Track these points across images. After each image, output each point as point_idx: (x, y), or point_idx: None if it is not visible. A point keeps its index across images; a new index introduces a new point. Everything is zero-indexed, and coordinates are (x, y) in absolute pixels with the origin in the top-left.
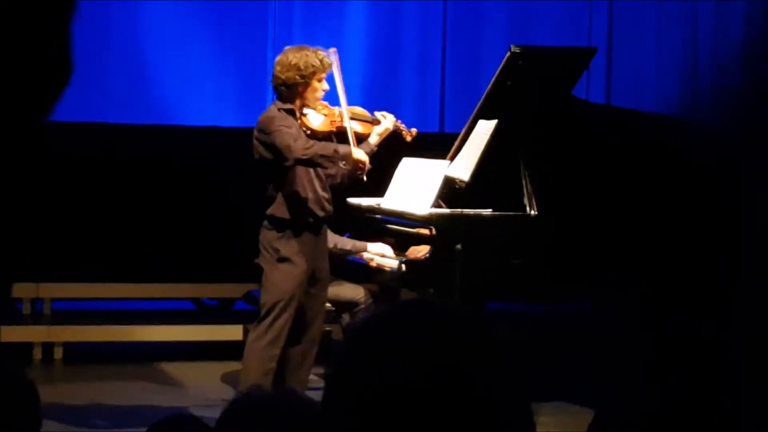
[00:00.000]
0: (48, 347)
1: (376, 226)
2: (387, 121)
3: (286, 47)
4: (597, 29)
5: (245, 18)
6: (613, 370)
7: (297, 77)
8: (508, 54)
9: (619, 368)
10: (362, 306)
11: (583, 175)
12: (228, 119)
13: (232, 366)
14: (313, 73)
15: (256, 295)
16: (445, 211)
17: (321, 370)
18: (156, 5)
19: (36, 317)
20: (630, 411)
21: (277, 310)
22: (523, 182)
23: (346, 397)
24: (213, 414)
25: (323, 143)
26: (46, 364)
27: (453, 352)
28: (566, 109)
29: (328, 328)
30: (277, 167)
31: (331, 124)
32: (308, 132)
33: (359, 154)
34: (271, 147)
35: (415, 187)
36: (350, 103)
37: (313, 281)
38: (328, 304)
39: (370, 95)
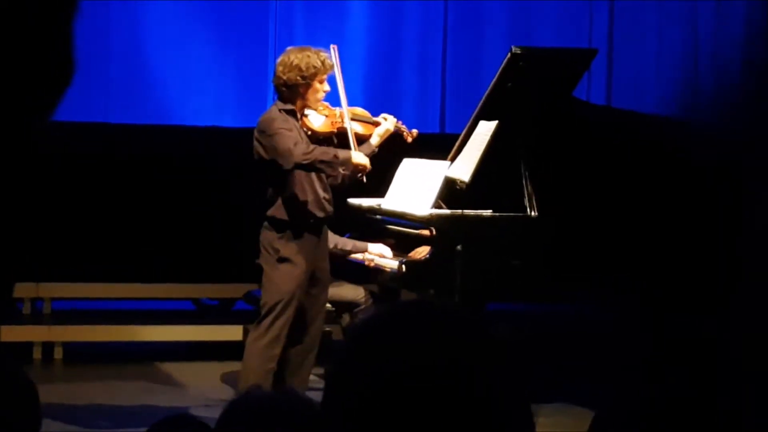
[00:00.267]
0: (48, 347)
1: (376, 226)
2: (388, 123)
3: (288, 48)
4: (597, 30)
5: (246, 18)
6: (613, 370)
7: (298, 78)
8: (509, 55)
9: (620, 368)
10: (362, 306)
11: (584, 176)
12: (228, 119)
13: (232, 366)
14: (315, 74)
15: (256, 296)
16: (446, 211)
17: (321, 371)
18: (156, 6)
19: (36, 317)
20: (630, 411)
21: (277, 311)
22: (524, 183)
23: (346, 398)
24: (213, 414)
25: (323, 148)
26: (46, 364)
27: (453, 352)
28: (567, 110)
29: (328, 329)
30: (276, 169)
31: (332, 125)
32: (309, 133)
33: (359, 158)
34: (271, 150)
35: (415, 188)
36: (351, 103)
37: (314, 282)
38: (328, 305)
39: (371, 95)
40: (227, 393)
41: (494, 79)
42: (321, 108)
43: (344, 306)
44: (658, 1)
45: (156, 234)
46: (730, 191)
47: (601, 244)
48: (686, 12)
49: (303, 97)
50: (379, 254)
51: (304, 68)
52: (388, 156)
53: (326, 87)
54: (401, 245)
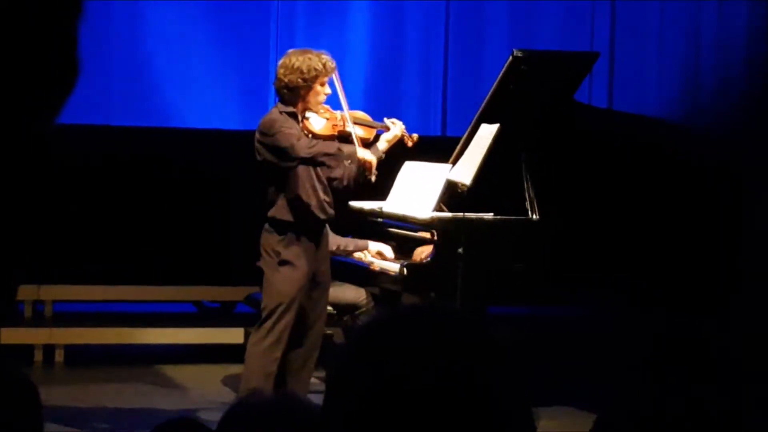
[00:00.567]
0: (49, 349)
1: (378, 229)
2: (396, 128)
3: (290, 50)
4: (599, 33)
5: (247, 21)
6: (614, 371)
7: (299, 80)
8: (511, 58)
9: (621, 369)
10: (363, 309)
11: (585, 179)
12: (230, 122)
13: (234, 369)
14: (316, 77)
15: (257, 298)
16: (447, 215)
17: (322, 374)
18: (158, 8)
19: (37, 319)
20: (632, 413)
21: (278, 314)
22: (525, 186)
23: (347, 401)
24: (214, 417)
25: (327, 142)
26: (47, 367)
27: (454, 355)
28: (568, 113)
29: (329, 332)
30: (279, 170)
31: (333, 127)
32: (309, 135)
33: (364, 153)
34: (274, 148)
35: (417, 191)
36: (352, 107)
37: (315, 284)
38: (329, 308)
39: (373, 99)
40: (228, 396)
41: (496, 83)
42: (322, 111)
43: (345, 309)
44: (661, 3)
45: (157, 236)
46: (730, 192)
47: (602, 246)
48: (688, 14)
49: (304, 99)
50: (379, 251)
51: (305, 70)
52: (390, 159)
53: (327, 90)
54: (403, 248)
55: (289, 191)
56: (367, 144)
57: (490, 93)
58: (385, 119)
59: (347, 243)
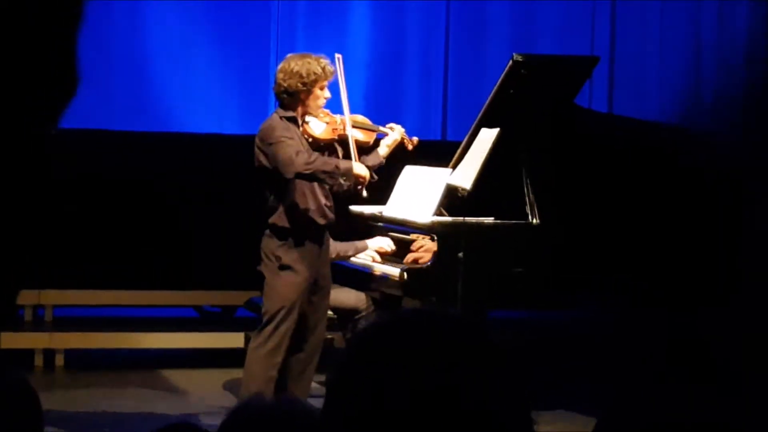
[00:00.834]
0: (49, 354)
1: (378, 233)
2: (395, 133)
3: (289, 55)
4: (599, 36)
5: (248, 25)
6: (615, 374)
7: (299, 85)
8: (511, 62)
9: (622, 372)
10: (364, 314)
11: (585, 183)
12: (230, 126)
13: (234, 373)
14: (315, 81)
15: (258, 303)
16: (447, 219)
17: (322, 378)
18: (158, 12)
19: (38, 324)
20: (633, 416)
21: (278, 318)
22: (525, 190)
23: (347, 405)
24: (215, 421)
25: (325, 159)
26: (48, 371)
27: (454, 359)
28: (568, 117)
29: (329, 336)
30: (278, 176)
31: (333, 132)
32: (310, 140)
33: (360, 169)
34: (273, 159)
35: (417, 195)
36: (353, 110)
37: (315, 289)
38: (329, 312)
39: (373, 102)
40: (229, 400)
41: (496, 87)
42: (322, 115)
43: (346, 313)
44: (661, 4)
45: (157, 241)
46: (730, 193)
47: (603, 248)
48: (688, 15)
49: (304, 104)
50: (380, 248)
51: (304, 75)
52: (390, 163)
53: (327, 94)
54: (402, 253)
55: (287, 196)
56: (367, 148)
57: (490, 97)
58: (385, 126)
59: (347, 248)
